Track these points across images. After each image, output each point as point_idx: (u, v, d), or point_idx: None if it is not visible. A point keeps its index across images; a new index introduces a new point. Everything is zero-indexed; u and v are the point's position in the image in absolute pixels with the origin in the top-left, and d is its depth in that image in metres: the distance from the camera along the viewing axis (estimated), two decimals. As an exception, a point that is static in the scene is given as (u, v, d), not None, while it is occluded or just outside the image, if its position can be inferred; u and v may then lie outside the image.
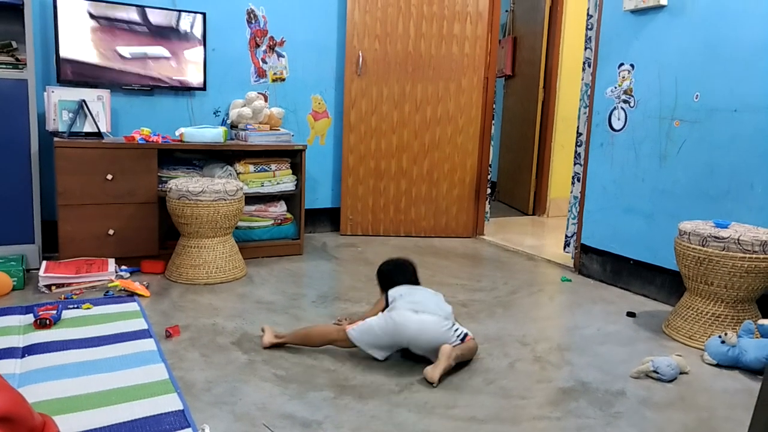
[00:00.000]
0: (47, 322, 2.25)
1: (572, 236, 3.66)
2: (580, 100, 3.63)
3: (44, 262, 2.80)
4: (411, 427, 1.70)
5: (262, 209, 3.58)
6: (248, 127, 3.56)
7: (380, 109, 4.10)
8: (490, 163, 4.35)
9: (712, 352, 2.23)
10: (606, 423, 1.77)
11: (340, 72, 4.13)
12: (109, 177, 3.01)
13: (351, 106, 4.08)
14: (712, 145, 2.72)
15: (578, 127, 3.62)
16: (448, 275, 3.31)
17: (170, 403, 1.74)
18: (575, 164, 3.63)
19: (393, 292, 2.21)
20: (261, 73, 3.89)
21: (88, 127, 3.12)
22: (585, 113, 3.54)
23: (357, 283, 3.09)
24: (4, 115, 2.87)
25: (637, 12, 3.05)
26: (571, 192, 3.69)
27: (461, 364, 2.08)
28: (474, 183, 4.25)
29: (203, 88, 3.63)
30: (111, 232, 3.05)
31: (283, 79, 3.97)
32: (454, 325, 2.11)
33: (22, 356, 2.00)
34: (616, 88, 3.19)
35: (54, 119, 3.05)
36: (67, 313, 2.40)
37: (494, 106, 4.29)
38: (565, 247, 3.78)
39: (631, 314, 2.76)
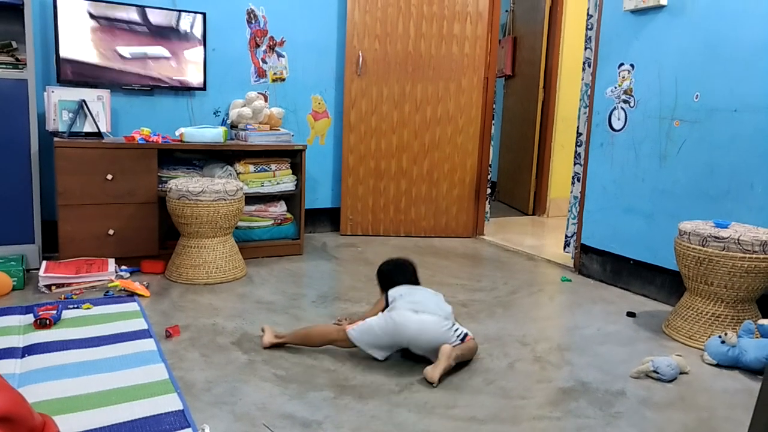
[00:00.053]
0: (47, 322, 2.25)
1: (572, 236, 3.66)
2: (580, 100, 3.63)
3: (44, 262, 2.80)
4: (411, 427, 1.70)
5: (262, 209, 3.58)
6: (248, 127, 3.56)
7: (380, 109, 4.10)
8: (490, 163, 4.35)
9: (712, 352, 2.23)
10: (606, 423, 1.77)
11: (340, 72, 4.13)
12: (109, 177, 3.02)
13: (351, 106, 4.08)
14: (712, 145, 2.72)
15: (578, 127, 3.62)
16: (448, 275, 3.31)
17: (170, 403, 1.74)
18: (575, 164, 3.63)
19: (393, 292, 2.21)
20: (261, 73, 3.89)
21: (88, 127, 3.12)
22: (585, 113, 3.54)
23: (357, 283, 3.09)
24: (4, 115, 2.87)
25: (637, 12, 3.05)
26: (571, 192, 3.69)
27: (461, 364, 2.08)
28: (474, 183, 4.25)
29: (203, 88, 3.63)
30: (111, 232, 3.05)
31: (283, 79, 3.97)
32: (454, 325, 2.11)
33: (22, 356, 2.00)
34: (616, 88, 3.19)
35: (54, 119, 3.05)
36: (67, 313, 2.40)
37: (494, 106, 4.29)
38: (565, 247, 3.78)
39: (631, 314, 2.76)
